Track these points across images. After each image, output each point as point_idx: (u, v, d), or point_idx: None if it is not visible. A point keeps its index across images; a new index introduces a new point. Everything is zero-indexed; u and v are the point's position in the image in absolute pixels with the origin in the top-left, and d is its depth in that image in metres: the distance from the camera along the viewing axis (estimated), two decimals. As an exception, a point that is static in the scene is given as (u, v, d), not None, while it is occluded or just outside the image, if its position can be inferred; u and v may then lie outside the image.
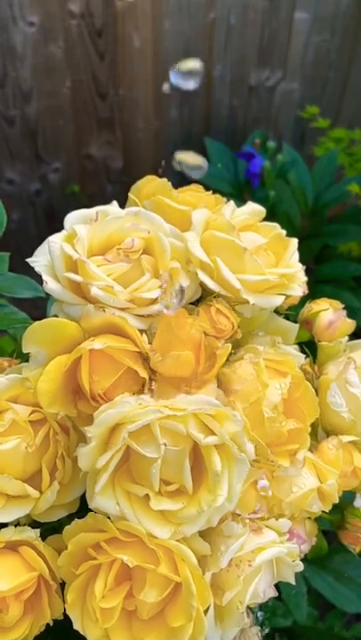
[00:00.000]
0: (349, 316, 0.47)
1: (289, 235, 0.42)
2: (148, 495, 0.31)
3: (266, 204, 1.13)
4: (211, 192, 0.43)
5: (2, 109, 1.28)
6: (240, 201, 1.28)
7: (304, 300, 0.44)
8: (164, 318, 0.33)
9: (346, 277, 1.15)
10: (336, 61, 1.45)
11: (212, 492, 0.31)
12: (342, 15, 1.38)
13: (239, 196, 1.26)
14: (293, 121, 1.52)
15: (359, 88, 1.50)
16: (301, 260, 0.42)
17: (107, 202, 0.41)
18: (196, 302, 0.39)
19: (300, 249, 0.41)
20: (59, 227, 0.38)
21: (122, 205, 0.42)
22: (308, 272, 0.42)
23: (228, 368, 0.35)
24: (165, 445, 0.30)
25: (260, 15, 1.33)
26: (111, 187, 1.49)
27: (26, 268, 0.38)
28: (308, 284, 0.42)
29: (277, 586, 0.37)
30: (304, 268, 0.41)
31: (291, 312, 0.45)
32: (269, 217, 0.43)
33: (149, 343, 0.33)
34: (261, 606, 0.41)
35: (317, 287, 1.11)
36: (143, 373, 0.32)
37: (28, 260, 0.38)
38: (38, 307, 0.52)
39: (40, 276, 0.37)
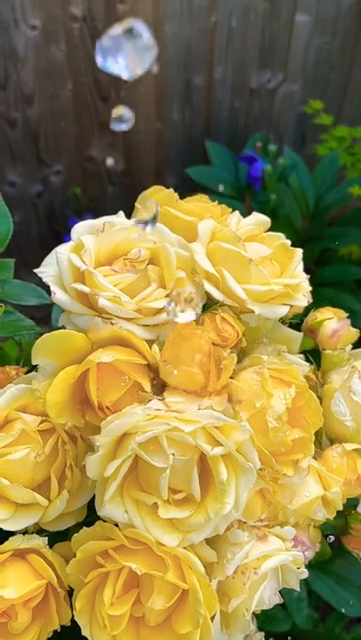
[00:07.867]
0: (351, 318, 0.47)
1: (290, 237, 0.42)
2: (156, 503, 0.32)
3: (267, 207, 1.13)
4: (215, 203, 0.43)
5: (4, 112, 1.29)
6: (241, 203, 1.27)
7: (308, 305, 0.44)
8: (173, 329, 0.33)
9: (347, 280, 1.16)
10: (337, 63, 1.45)
11: (220, 500, 0.31)
12: (343, 17, 1.38)
13: (240, 198, 1.26)
14: (295, 123, 1.53)
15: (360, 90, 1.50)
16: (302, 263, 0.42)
17: (108, 204, 0.41)
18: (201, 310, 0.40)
19: (301, 252, 0.41)
20: (60, 229, 0.38)
21: (124, 209, 0.42)
22: (309, 275, 0.42)
23: (233, 378, 0.36)
24: (174, 455, 0.30)
25: (262, 17, 1.34)
26: (112, 189, 1.49)
27: (27, 269, 0.39)
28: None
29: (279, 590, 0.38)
30: (308, 277, 0.41)
31: (295, 320, 0.45)
32: (270, 219, 0.44)
33: (159, 351, 0.34)
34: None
35: (318, 290, 1.11)
36: (148, 387, 0.32)
37: (35, 270, 0.38)
38: (41, 308, 0.53)
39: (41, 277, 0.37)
